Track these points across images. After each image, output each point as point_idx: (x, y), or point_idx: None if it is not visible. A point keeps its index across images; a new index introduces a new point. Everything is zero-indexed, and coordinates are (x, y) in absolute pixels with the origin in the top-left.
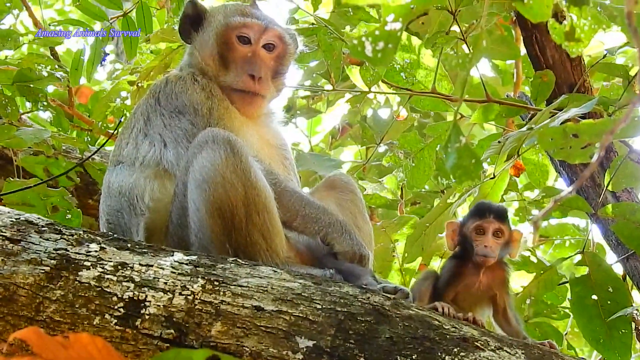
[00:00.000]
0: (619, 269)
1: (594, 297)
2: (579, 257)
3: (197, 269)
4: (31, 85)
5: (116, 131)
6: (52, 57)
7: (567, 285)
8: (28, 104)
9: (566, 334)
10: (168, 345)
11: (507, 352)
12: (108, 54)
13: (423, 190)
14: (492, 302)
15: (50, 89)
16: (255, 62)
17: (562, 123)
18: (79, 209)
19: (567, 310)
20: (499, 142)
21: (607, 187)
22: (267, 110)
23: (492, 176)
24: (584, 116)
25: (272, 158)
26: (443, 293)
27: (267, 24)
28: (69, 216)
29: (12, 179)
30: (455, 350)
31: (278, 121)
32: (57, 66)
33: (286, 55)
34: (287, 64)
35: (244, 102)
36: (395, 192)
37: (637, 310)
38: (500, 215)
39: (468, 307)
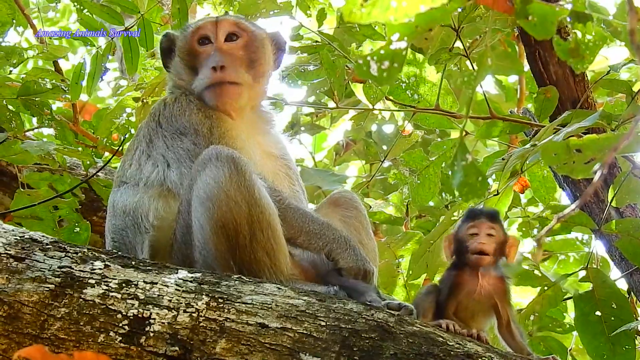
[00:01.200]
0: (623, 285)
1: (598, 313)
2: (583, 273)
3: (202, 286)
4: (36, 99)
5: (121, 147)
6: (55, 72)
7: (572, 300)
8: (33, 120)
9: (571, 349)
10: None
11: None
12: (109, 69)
13: (428, 205)
14: (495, 313)
15: (55, 106)
16: (215, 55)
17: (565, 138)
18: (87, 222)
19: (572, 324)
20: (502, 159)
21: (610, 203)
22: (265, 115)
23: (496, 192)
24: (587, 132)
25: (275, 171)
26: (445, 305)
27: (219, 18)
28: (78, 229)
29: (22, 190)
30: None
31: (278, 129)
32: (61, 80)
33: (255, 41)
34: (259, 50)
35: (218, 97)
36: (400, 209)
37: None
38: (492, 216)
39: (470, 318)
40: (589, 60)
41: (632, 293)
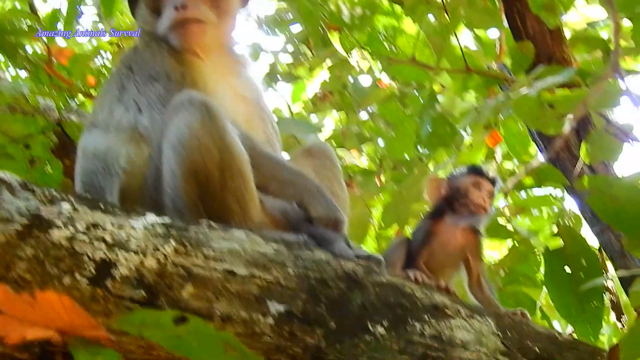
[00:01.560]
0: (594, 242)
1: (568, 269)
2: (555, 229)
3: (170, 231)
4: (10, 39)
5: (95, 91)
6: (31, 13)
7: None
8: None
9: (540, 304)
10: (138, 306)
11: (478, 320)
12: (83, 13)
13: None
14: (465, 268)
15: (31, 51)
16: None
17: (539, 93)
18: (59, 161)
19: (542, 280)
20: (476, 110)
21: (583, 159)
22: (237, 57)
23: (469, 146)
24: (562, 87)
25: (248, 115)
26: (417, 254)
27: None
28: (49, 169)
29: None
30: (426, 317)
31: (252, 71)
32: (36, 21)
33: None
34: None
35: (181, 36)
36: (375, 161)
37: (611, 280)
38: (493, 181)
39: (440, 269)
40: (560, 13)
41: (602, 250)
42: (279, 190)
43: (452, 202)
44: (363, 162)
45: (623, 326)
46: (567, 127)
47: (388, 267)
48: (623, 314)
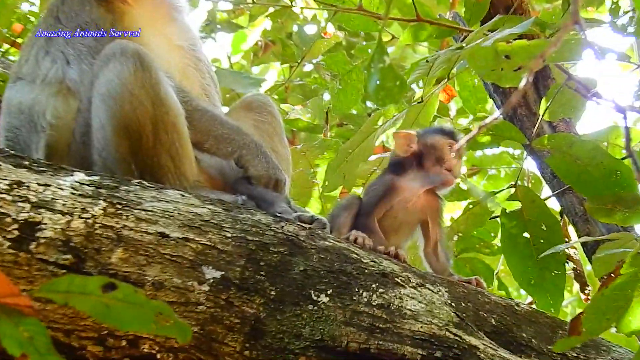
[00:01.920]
0: (555, 205)
1: (526, 234)
2: (512, 191)
3: (99, 190)
4: None
5: (21, 39)
6: None
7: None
8: None
9: (497, 272)
10: (64, 271)
11: (430, 289)
12: None
13: (350, 113)
14: (423, 233)
15: None
16: None
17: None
18: None
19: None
20: (427, 61)
21: (542, 116)
22: (172, 3)
23: (420, 100)
24: (519, 39)
25: (183, 65)
26: (371, 211)
27: None
28: None
29: None
30: (374, 286)
31: (187, 16)
32: None
33: None
34: None
35: None
36: (320, 116)
37: (574, 249)
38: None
39: (394, 231)
40: None
41: (563, 214)
42: (215, 146)
43: (421, 159)
44: (307, 117)
45: (587, 298)
46: (524, 80)
47: (334, 230)
48: (587, 285)
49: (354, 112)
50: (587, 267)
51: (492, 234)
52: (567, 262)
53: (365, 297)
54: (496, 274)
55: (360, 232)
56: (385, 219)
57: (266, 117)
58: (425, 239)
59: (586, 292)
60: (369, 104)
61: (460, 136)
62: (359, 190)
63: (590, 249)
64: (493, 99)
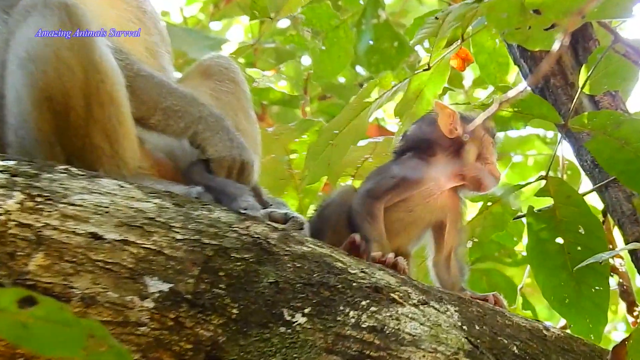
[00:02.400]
0: (596, 202)
1: (559, 240)
2: (542, 184)
3: (15, 179)
4: None
5: None
6: None
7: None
8: None
9: (522, 287)
10: None
11: (435, 308)
12: None
13: (336, 81)
14: (435, 237)
15: None
16: None
17: None
18: None
19: (525, 254)
20: (436, 18)
21: (582, 88)
22: None
23: (426, 67)
24: None
25: (125, 22)
26: (381, 195)
27: None
28: None
29: None
30: (364, 303)
31: None
32: None
33: None
34: None
35: None
36: (297, 85)
37: (620, 258)
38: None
39: (405, 228)
40: None
41: (607, 214)
42: (164, 122)
43: (460, 148)
44: (282, 86)
45: (636, 322)
46: (558, 42)
47: (322, 236)
48: (637, 304)
49: (341, 80)
50: (637, 281)
51: (516, 239)
52: (612, 275)
53: (353, 317)
54: (520, 289)
55: (358, 236)
56: (394, 211)
57: (229, 86)
58: (436, 246)
59: (635, 313)
60: (359, 70)
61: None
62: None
63: None
64: (518, 65)
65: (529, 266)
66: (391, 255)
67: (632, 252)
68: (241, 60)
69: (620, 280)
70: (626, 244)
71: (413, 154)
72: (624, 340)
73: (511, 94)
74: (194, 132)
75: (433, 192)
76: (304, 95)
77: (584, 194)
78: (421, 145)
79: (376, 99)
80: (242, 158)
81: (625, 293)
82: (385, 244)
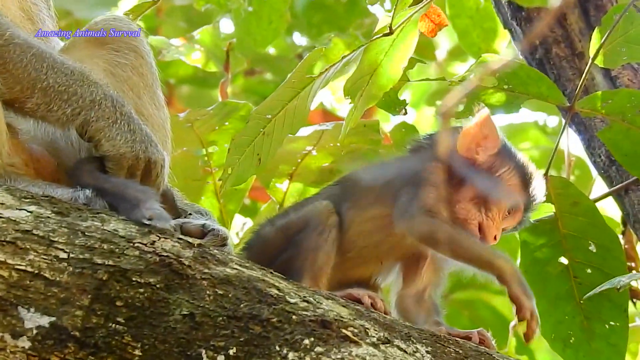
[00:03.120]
0: (612, 209)
1: (563, 260)
2: None
3: None
4: None
5: None
6: None
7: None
8: None
9: (515, 324)
10: None
11: (400, 348)
12: None
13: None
14: (406, 268)
15: None
16: None
17: None
18: None
19: None
20: None
21: (593, 59)
22: None
23: (387, 32)
24: None
25: None
26: (438, 208)
27: None
28: None
29: None
30: (307, 342)
31: None
32: None
33: None
34: None
35: None
36: (216, 57)
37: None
38: (529, 208)
39: (385, 253)
40: None
41: (627, 224)
42: (44, 107)
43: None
44: (195, 59)
45: None
46: None
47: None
48: None
49: (273, 51)
50: None
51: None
52: (632, 302)
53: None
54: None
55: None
56: (367, 234)
57: (129, 58)
58: (406, 278)
59: None
60: (297, 38)
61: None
62: (283, 185)
63: None
64: (509, 30)
65: None
66: (366, 297)
67: None
68: (140, 23)
69: None
70: None
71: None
72: None
73: (496, 64)
74: (84, 121)
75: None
76: (225, 72)
77: (597, 200)
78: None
79: (321, 74)
80: (148, 155)
81: None
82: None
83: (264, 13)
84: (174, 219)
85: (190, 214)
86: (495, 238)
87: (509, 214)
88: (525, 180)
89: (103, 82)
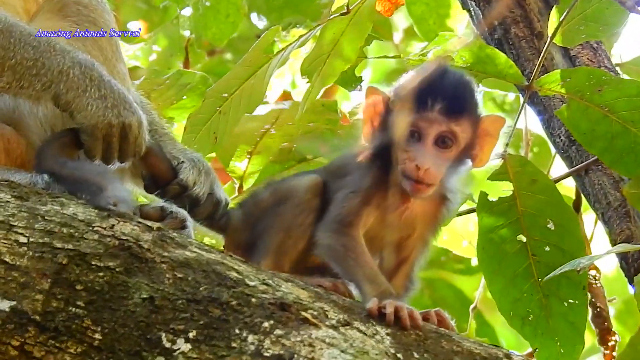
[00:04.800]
0: (569, 189)
1: (522, 238)
2: (498, 164)
3: None
4: None
5: None
6: None
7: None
8: None
9: (476, 304)
10: None
11: (360, 330)
12: None
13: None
14: (396, 248)
15: None
16: None
17: None
18: None
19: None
20: None
21: (552, 37)
22: None
23: (344, 11)
24: None
25: None
26: (354, 218)
27: None
28: None
29: None
30: (267, 325)
31: None
32: None
33: None
34: None
35: None
36: (175, 41)
37: (594, 269)
38: (460, 104)
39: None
40: None
41: (579, 208)
42: (16, 83)
43: (385, 153)
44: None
45: (612, 355)
46: None
47: (272, 233)
48: (612, 331)
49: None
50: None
51: (466, 241)
52: (594, 281)
53: (253, 343)
54: (474, 307)
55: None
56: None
57: (90, 24)
58: (391, 255)
59: (611, 342)
60: (255, 19)
61: (440, 91)
62: (242, 164)
63: (631, 264)
64: (468, 10)
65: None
66: (389, 303)
67: (621, 257)
68: None
69: (593, 300)
70: (613, 244)
71: (377, 159)
72: None
73: (455, 43)
74: (55, 94)
75: (395, 206)
76: (186, 52)
77: (557, 180)
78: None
79: (277, 53)
80: (122, 120)
81: (599, 317)
82: (382, 282)
83: (221, 7)
84: (168, 171)
85: (182, 161)
86: (422, 177)
87: (438, 138)
88: (417, 95)
89: (70, 47)
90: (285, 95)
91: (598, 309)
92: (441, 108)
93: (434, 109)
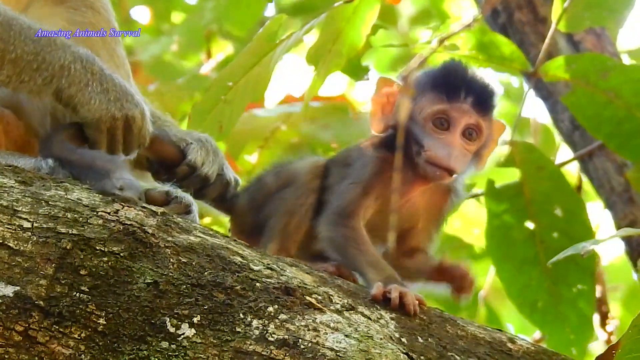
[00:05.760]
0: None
1: (529, 224)
2: (504, 150)
3: None
4: None
5: None
6: None
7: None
8: None
9: (483, 291)
10: None
11: (364, 315)
12: None
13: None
14: (399, 239)
15: None
16: None
17: None
18: None
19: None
20: None
21: (557, 23)
22: None
23: None
24: None
25: None
26: (354, 208)
27: None
28: None
29: None
30: (271, 309)
31: None
32: None
33: None
34: None
35: None
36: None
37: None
38: (484, 100)
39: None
40: None
41: (581, 189)
42: (16, 78)
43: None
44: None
45: (610, 340)
46: None
47: (274, 218)
48: (610, 316)
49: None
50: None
51: (476, 230)
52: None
53: (257, 327)
54: (480, 293)
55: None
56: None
57: (86, 15)
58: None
59: (607, 326)
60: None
61: (463, 81)
62: (252, 157)
63: (635, 249)
64: None
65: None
66: (393, 287)
67: (627, 242)
68: None
69: (601, 289)
70: (617, 228)
71: (382, 148)
72: (610, 349)
73: (456, 28)
74: (57, 89)
75: (405, 197)
76: (206, 59)
77: (562, 165)
78: (384, 142)
79: (282, 40)
80: (125, 112)
81: (598, 301)
82: (386, 268)
83: None
84: (175, 154)
85: (190, 142)
86: (451, 166)
87: (466, 129)
88: (439, 85)
89: (70, 42)
90: (288, 98)
91: (600, 294)
92: (473, 101)
93: (466, 100)
